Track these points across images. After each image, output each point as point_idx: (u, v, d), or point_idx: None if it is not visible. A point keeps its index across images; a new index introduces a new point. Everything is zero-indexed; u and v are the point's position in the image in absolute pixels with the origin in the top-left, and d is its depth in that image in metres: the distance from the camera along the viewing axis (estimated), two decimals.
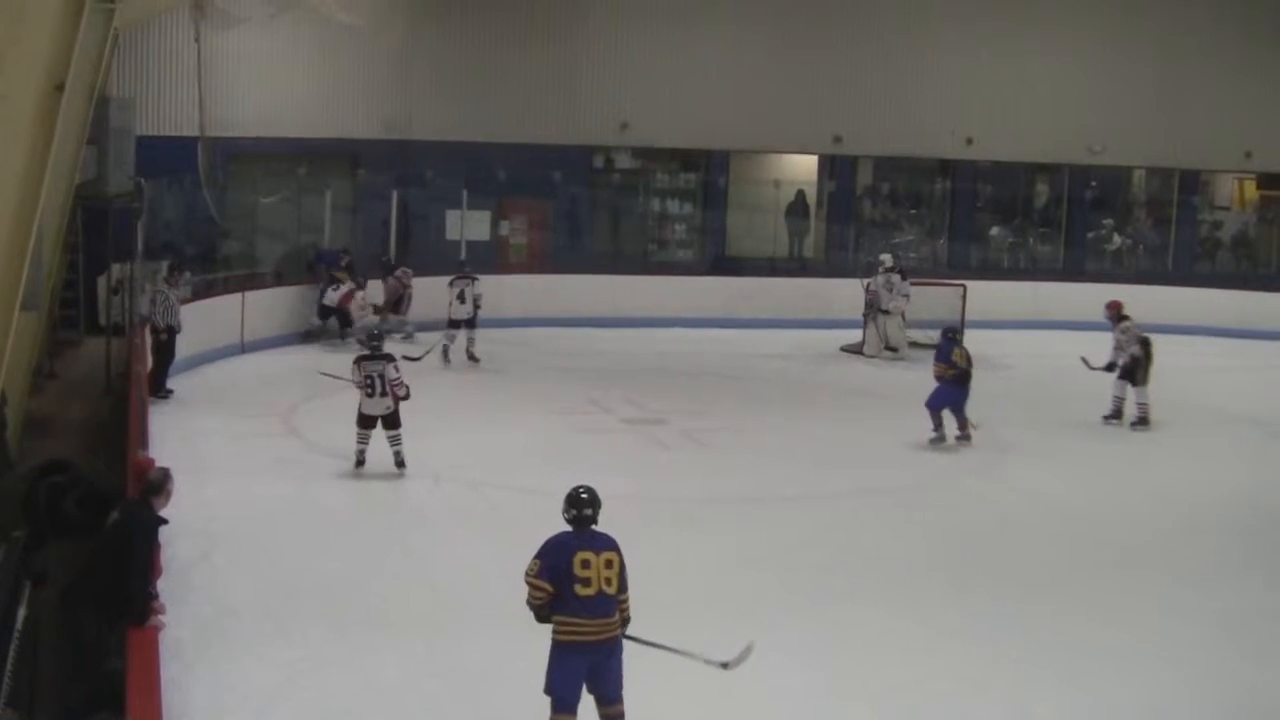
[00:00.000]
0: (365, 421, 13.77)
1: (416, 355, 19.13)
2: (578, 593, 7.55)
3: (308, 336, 21.27)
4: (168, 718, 7.20)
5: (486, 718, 8.57)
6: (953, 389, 16.20)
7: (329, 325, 21.40)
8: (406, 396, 13.76)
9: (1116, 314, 18.31)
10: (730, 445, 16.16)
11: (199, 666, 8.93)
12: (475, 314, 20.12)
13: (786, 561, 11.81)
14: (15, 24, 7.72)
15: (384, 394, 13.66)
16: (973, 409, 16.32)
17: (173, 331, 16.99)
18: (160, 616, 8.42)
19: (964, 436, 16.19)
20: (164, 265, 18.89)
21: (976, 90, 27.15)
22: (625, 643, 7.81)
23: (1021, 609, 10.85)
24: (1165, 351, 23.35)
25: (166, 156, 21.53)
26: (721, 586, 10.91)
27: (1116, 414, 17.72)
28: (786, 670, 9.34)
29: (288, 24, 23.59)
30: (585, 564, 7.58)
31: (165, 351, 17.01)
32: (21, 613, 7.83)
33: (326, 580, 10.91)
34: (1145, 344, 17.85)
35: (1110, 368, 17.88)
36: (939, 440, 16.13)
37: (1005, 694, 9.19)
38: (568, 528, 7.79)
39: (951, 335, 16.63)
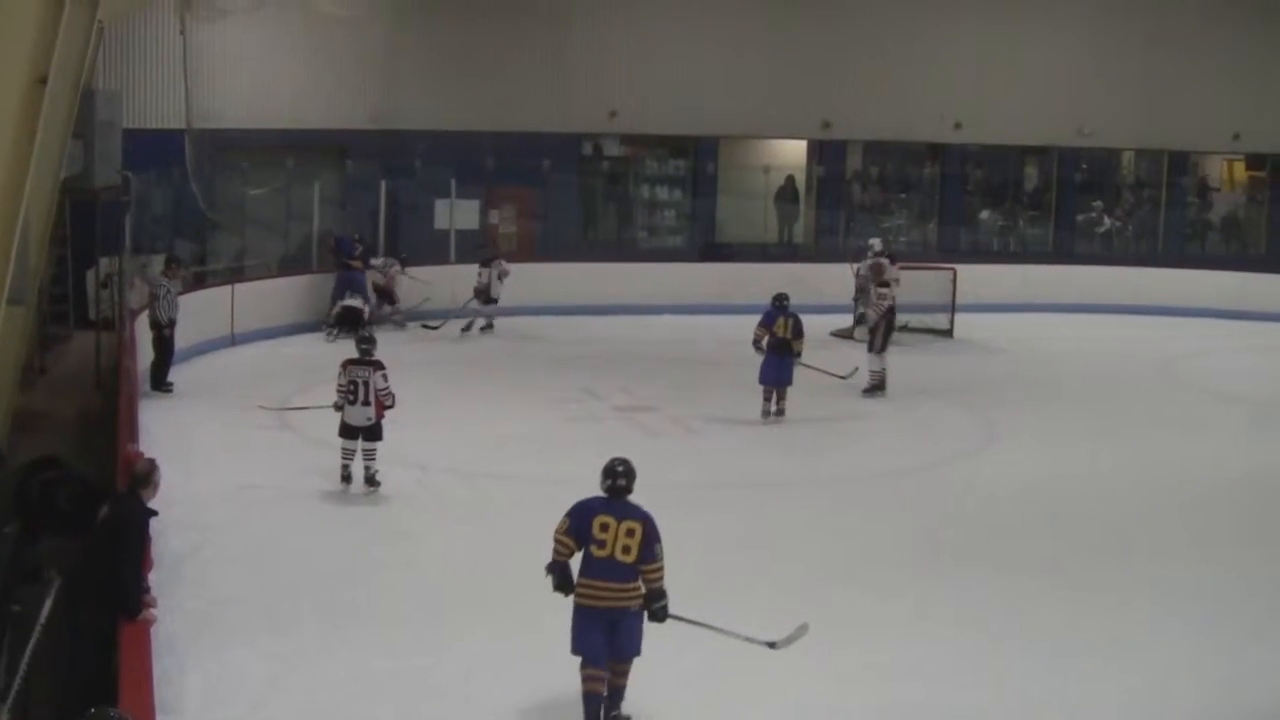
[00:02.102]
0: (347, 432, 12.88)
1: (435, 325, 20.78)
2: (593, 553, 8.01)
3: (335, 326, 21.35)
4: (161, 711, 7.20)
5: (478, 707, 8.56)
6: (777, 360, 16.23)
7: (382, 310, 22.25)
8: (391, 405, 12.96)
9: (881, 275, 18.27)
10: (721, 431, 16.16)
11: (191, 659, 8.92)
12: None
13: (777, 547, 11.82)
14: None
15: (366, 403, 12.75)
16: (966, 390, 16.31)
17: (173, 325, 16.97)
18: (152, 610, 8.39)
19: (779, 411, 16.33)
20: (158, 259, 18.84)
21: (965, 74, 27.13)
22: (675, 621, 8.23)
23: (1014, 591, 10.87)
24: (1158, 333, 23.59)
25: (153, 149, 21.44)
26: (713, 572, 10.89)
27: (880, 384, 17.74)
28: (779, 654, 9.35)
29: (274, 15, 23.52)
30: (604, 527, 8.00)
31: (167, 345, 16.98)
32: (47, 606, 7.78)
33: (318, 571, 10.91)
34: (890, 315, 18.05)
35: (861, 318, 17.82)
36: (767, 415, 16.32)
37: (998, 676, 9.22)
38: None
39: (781, 303, 16.58)
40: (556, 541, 8.11)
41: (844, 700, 8.80)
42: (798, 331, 16.36)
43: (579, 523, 8.07)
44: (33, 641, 7.55)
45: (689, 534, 11.89)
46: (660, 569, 8.09)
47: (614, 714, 8.17)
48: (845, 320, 22.32)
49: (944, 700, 8.84)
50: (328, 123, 23.84)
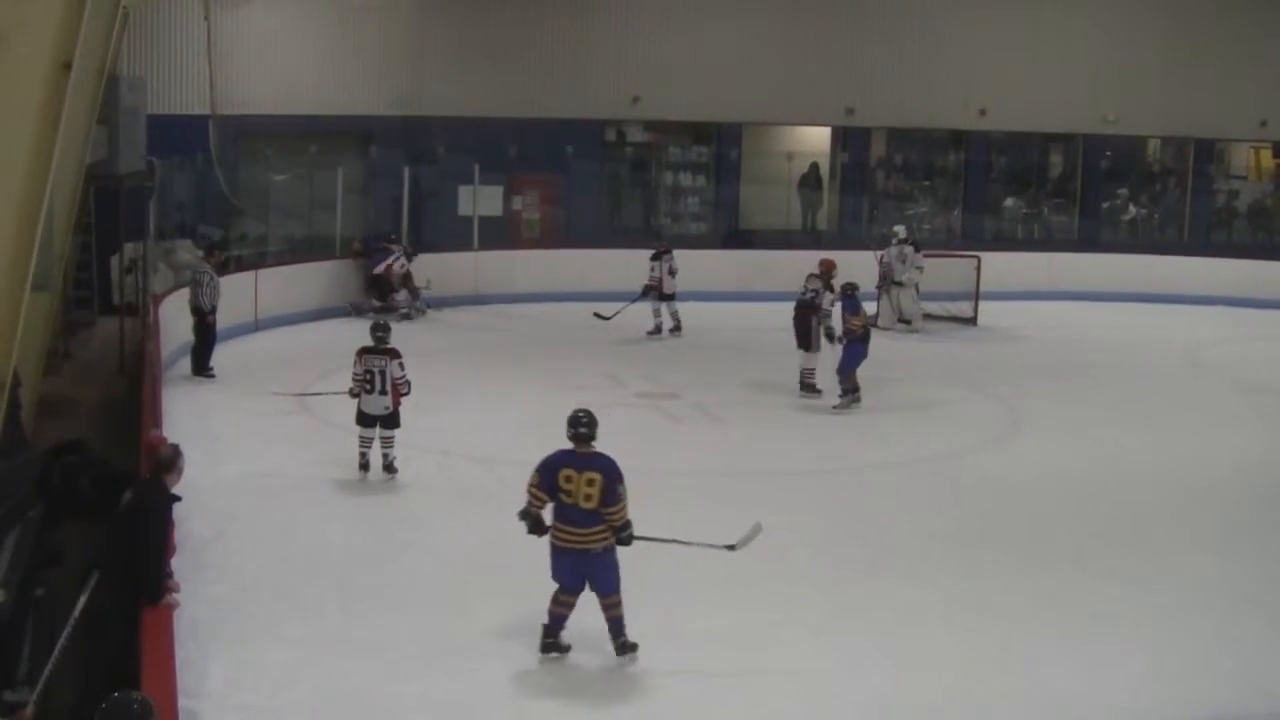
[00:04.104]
0: (365, 420, 12.87)
1: (608, 314, 20.10)
2: (563, 502, 8.79)
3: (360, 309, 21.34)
4: (183, 695, 7.23)
5: (500, 692, 8.57)
6: (860, 348, 16.17)
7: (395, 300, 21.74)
8: (407, 393, 12.93)
9: (830, 274, 17.58)
10: (744, 419, 16.13)
11: (214, 645, 8.95)
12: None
13: (801, 535, 11.78)
14: (21, 3, 7.70)
15: (384, 392, 12.71)
16: (990, 378, 16.21)
17: (214, 311, 17.04)
18: (175, 595, 8.42)
19: (856, 399, 16.25)
20: (183, 244, 18.81)
21: (990, 61, 26.99)
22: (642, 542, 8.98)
23: (1037, 579, 10.84)
24: (1182, 322, 23.47)
25: (178, 135, 21.52)
26: (735, 560, 10.88)
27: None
28: (803, 643, 9.36)
29: (297, 0, 23.55)
30: (568, 479, 8.76)
31: (209, 331, 17.07)
32: (82, 601, 7.81)
33: (340, 557, 10.94)
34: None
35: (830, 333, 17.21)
36: (846, 406, 16.18)
37: (1022, 665, 9.19)
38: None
39: (854, 291, 16.53)
40: (529, 494, 8.90)
41: (867, 688, 8.79)
42: (866, 318, 16.45)
43: (547, 477, 8.82)
44: (65, 635, 7.57)
45: (709, 522, 11.92)
46: (620, 509, 8.76)
47: (620, 641, 8.87)
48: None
49: (967, 688, 8.83)
50: (351, 109, 23.88)
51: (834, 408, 16.26)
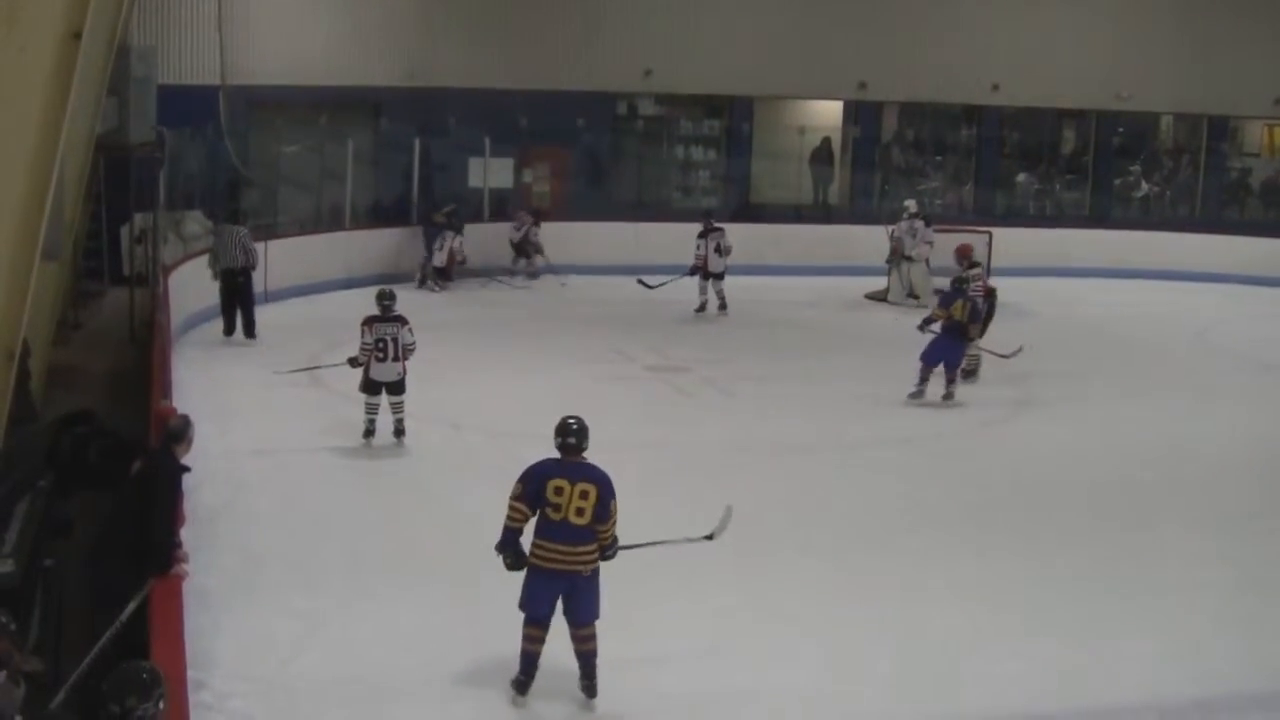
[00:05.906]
0: (372, 387, 13.00)
1: (653, 284, 20.02)
2: (549, 516, 7.93)
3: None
4: (192, 666, 7.25)
5: (508, 665, 8.58)
6: (948, 342, 15.63)
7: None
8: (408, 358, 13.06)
9: (968, 259, 17.14)
10: (753, 393, 16.12)
11: (223, 615, 8.97)
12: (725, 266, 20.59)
13: (807, 511, 11.80)
14: None
15: (396, 359, 12.90)
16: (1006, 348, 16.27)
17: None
18: (184, 565, 8.43)
19: (948, 395, 15.73)
20: (192, 215, 18.81)
21: (1003, 36, 26.86)
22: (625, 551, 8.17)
23: (1043, 557, 10.85)
24: (1194, 299, 23.43)
25: (188, 105, 21.45)
26: (742, 535, 10.87)
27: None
28: (807, 620, 9.36)
29: None
30: (559, 491, 7.91)
31: (250, 293, 17.66)
32: (130, 609, 7.82)
33: (350, 529, 10.96)
34: (991, 295, 17.19)
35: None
36: (918, 395, 15.65)
37: (1028, 646, 9.19)
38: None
39: (960, 286, 16.08)
40: (512, 508, 8.06)
41: (869, 665, 8.80)
42: (974, 316, 15.78)
43: (533, 487, 7.98)
44: (112, 630, 7.56)
45: (717, 497, 11.91)
46: (612, 526, 7.99)
47: (588, 683, 8.13)
48: (879, 283, 22.22)
49: (970, 666, 8.83)
50: (361, 80, 23.78)
51: (909, 395, 15.72)
